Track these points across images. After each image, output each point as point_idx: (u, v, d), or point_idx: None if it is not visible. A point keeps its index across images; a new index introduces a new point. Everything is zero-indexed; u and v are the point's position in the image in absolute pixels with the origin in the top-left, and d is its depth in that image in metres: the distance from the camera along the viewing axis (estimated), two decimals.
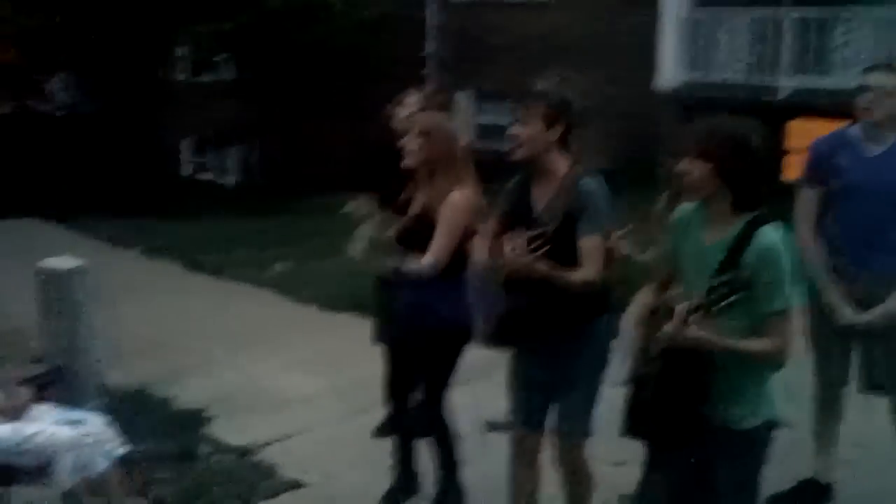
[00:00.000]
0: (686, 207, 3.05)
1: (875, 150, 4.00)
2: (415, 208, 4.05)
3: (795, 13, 11.46)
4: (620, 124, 13.09)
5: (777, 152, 9.04)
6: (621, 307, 3.43)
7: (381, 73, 14.18)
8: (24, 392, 4.03)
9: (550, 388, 3.68)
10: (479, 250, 3.71)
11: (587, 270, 3.39)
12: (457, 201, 3.93)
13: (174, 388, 5.92)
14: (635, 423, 2.98)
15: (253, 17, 14.79)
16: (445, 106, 4.58)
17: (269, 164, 17.77)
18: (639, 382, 3.01)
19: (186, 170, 21.09)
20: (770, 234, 2.80)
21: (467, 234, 3.98)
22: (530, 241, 3.19)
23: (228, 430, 5.25)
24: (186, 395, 5.80)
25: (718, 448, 2.94)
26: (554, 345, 3.58)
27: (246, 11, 14.76)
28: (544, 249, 3.18)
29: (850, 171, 4.00)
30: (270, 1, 14.75)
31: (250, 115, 17.56)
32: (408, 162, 4.01)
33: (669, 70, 12.41)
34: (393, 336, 4.46)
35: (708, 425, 2.91)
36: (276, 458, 4.92)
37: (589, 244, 3.41)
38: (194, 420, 5.40)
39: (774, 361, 2.86)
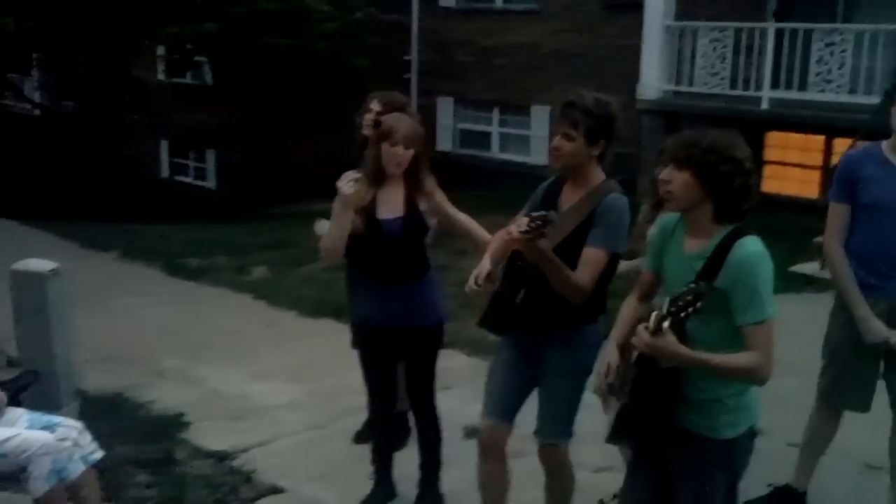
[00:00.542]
0: (670, 217, 3.06)
1: None
2: (402, 209, 4.05)
3: (776, 26, 11.55)
4: None
5: (757, 164, 9.07)
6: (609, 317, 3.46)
7: (363, 78, 14.19)
8: None
9: (529, 387, 3.75)
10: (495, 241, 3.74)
11: (580, 276, 3.42)
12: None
13: (151, 392, 5.89)
14: (617, 429, 2.97)
15: (229, 21, 14.74)
16: (404, 111, 4.61)
17: (248, 168, 17.69)
18: (621, 389, 3.01)
19: (164, 172, 20.99)
20: (750, 246, 2.80)
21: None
22: (532, 220, 3.21)
23: (206, 436, 5.21)
24: (163, 399, 5.76)
25: (699, 457, 2.94)
26: (540, 345, 3.65)
27: (219, 15, 14.71)
28: (543, 231, 3.20)
29: (877, 187, 3.94)
30: (234, 8, 14.68)
31: (230, 118, 17.50)
32: (394, 168, 4.00)
33: (651, 81, 12.47)
34: (376, 339, 4.44)
35: (688, 434, 2.91)
36: (254, 463, 4.89)
37: (592, 254, 3.45)
38: (171, 425, 5.36)
39: (754, 377, 2.83)
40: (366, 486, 4.45)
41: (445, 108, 16.68)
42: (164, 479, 4.64)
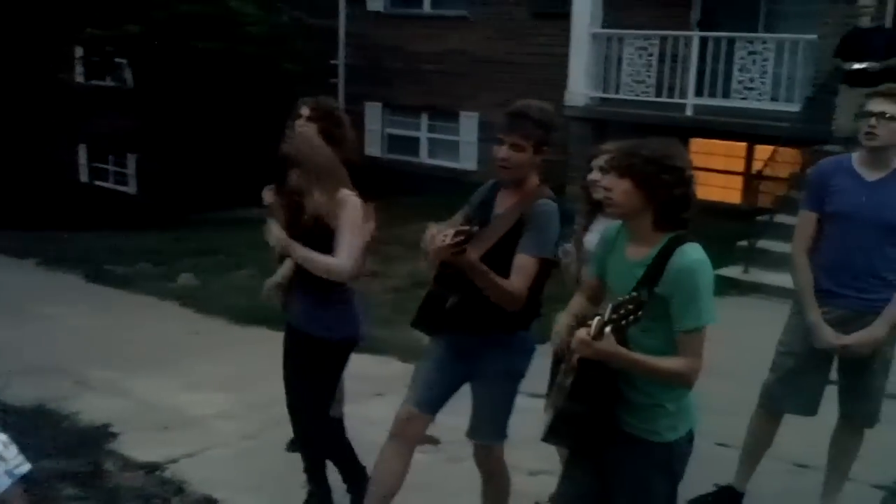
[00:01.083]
0: (613, 224, 3.10)
1: (872, 176, 4.00)
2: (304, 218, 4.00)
3: (700, 35, 11.79)
4: None
5: None
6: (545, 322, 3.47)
7: (291, 83, 14.06)
8: None
9: (456, 386, 3.76)
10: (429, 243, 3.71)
11: (512, 283, 3.43)
12: (354, 203, 3.90)
13: (77, 403, 5.73)
14: (554, 430, 2.99)
15: (152, 24, 14.47)
16: (333, 115, 4.59)
17: (170, 173, 17.37)
18: (558, 390, 3.02)
19: (84, 177, 20.52)
20: (691, 254, 2.84)
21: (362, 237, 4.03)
22: (457, 234, 3.21)
23: (136, 447, 5.09)
24: (90, 411, 5.61)
25: (639, 460, 2.97)
26: (475, 347, 3.65)
27: (141, 18, 14.44)
28: (464, 247, 3.21)
29: (843, 197, 4.01)
30: (156, 12, 14.44)
31: (151, 122, 17.17)
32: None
33: (579, 88, 12.60)
34: (286, 347, 4.41)
35: (629, 437, 2.94)
36: (186, 474, 4.79)
37: (523, 261, 3.46)
38: (99, 437, 5.23)
39: (683, 381, 2.89)
40: (300, 494, 4.39)
41: (373, 113, 16.64)
42: (94, 492, 4.53)
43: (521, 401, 3.73)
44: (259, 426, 5.43)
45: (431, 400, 3.76)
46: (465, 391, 3.79)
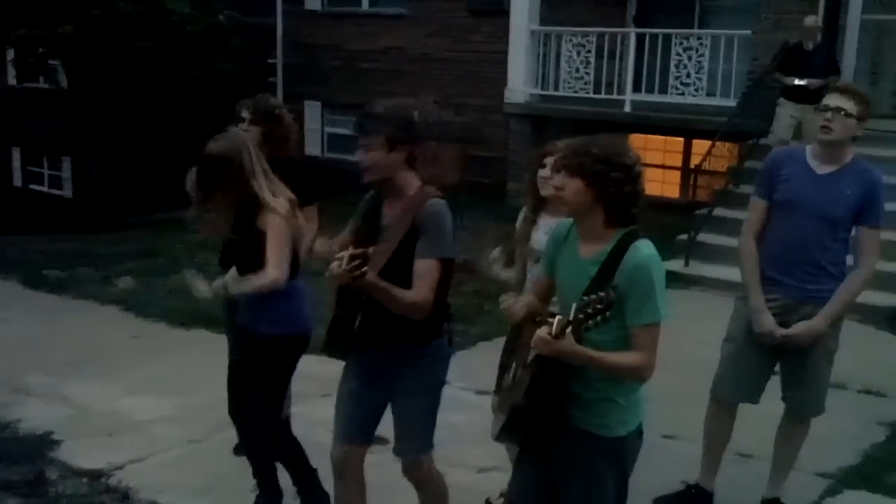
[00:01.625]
0: (563, 223, 3.11)
1: (823, 169, 4.06)
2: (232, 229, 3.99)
3: (637, 31, 11.94)
4: (472, 139, 13.32)
5: None
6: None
7: (229, 82, 13.92)
8: None
9: (382, 408, 3.68)
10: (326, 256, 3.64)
11: (416, 293, 3.36)
12: (278, 209, 3.87)
13: (16, 411, 5.64)
14: (508, 428, 3.00)
15: (86, 23, 14.19)
16: (273, 115, 4.56)
17: (106, 175, 17.05)
18: (512, 388, 3.04)
19: (17, 181, 20.07)
20: (644, 250, 2.88)
21: (294, 241, 3.99)
22: (352, 258, 3.14)
23: (78, 454, 5.01)
24: (30, 418, 5.52)
25: (590, 453, 2.99)
26: (388, 364, 3.57)
27: (74, 17, 14.15)
28: (363, 270, 3.14)
29: (791, 186, 4.08)
30: (91, 10, 14.17)
31: (86, 124, 16.85)
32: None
33: (518, 85, 12.68)
34: (231, 348, 4.37)
35: (579, 431, 2.96)
36: (131, 480, 4.73)
37: (422, 266, 3.38)
38: (41, 444, 5.14)
39: (639, 376, 2.93)
40: (249, 498, 4.35)
41: (313, 112, 16.52)
42: (38, 501, 4.46)
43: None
44: (204, 430, 5.37)
45: (360, 431, 3.70)
46: None
